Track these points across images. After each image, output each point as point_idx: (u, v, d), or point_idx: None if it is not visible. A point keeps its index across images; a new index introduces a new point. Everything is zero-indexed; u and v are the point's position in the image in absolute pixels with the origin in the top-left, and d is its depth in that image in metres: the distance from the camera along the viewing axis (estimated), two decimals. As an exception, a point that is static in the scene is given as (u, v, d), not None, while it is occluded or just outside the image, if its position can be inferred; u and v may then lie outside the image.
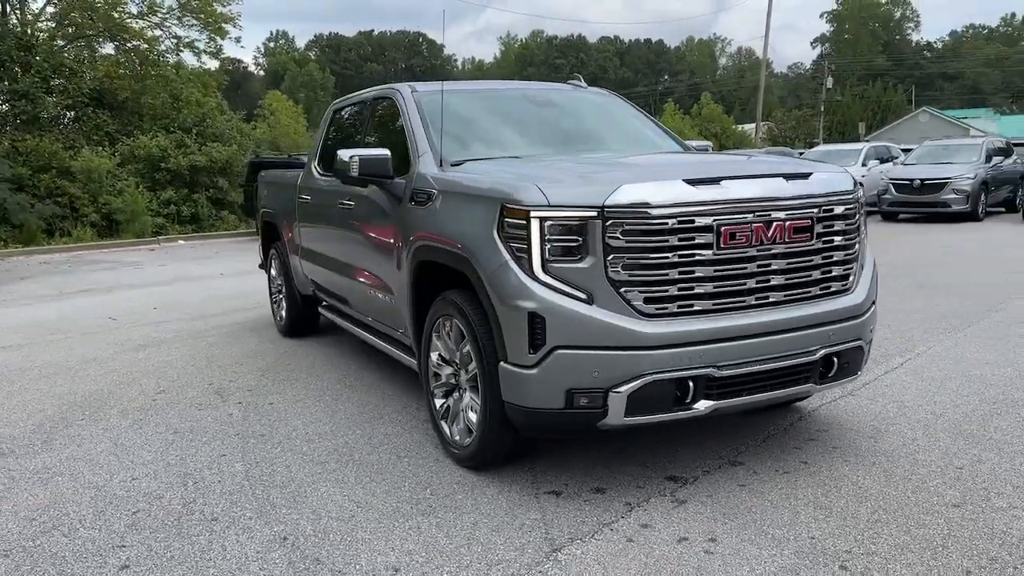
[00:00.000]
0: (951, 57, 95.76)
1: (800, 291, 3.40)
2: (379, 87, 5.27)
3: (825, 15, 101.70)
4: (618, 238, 3.09)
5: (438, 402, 3.95)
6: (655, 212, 3.10)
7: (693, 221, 3.14)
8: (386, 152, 4.24)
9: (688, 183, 3.21)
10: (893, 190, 16.97)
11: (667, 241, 3.12)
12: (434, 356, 3.94)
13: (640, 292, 3.12)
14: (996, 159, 17.66)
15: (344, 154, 4.28)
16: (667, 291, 3.15)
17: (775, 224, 3.28)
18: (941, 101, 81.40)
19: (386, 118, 4.99)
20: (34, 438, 4.37)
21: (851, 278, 3.60)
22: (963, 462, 3.61)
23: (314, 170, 5.85)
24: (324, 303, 6.12)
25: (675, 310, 3.16)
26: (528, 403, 3.21)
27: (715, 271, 3.19)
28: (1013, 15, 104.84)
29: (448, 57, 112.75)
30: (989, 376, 4.93)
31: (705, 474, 3.56)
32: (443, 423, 3.90)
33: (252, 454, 4.00)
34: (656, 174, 3.36)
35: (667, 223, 3.11)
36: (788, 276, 3.35)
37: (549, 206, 3.14)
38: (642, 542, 2.95)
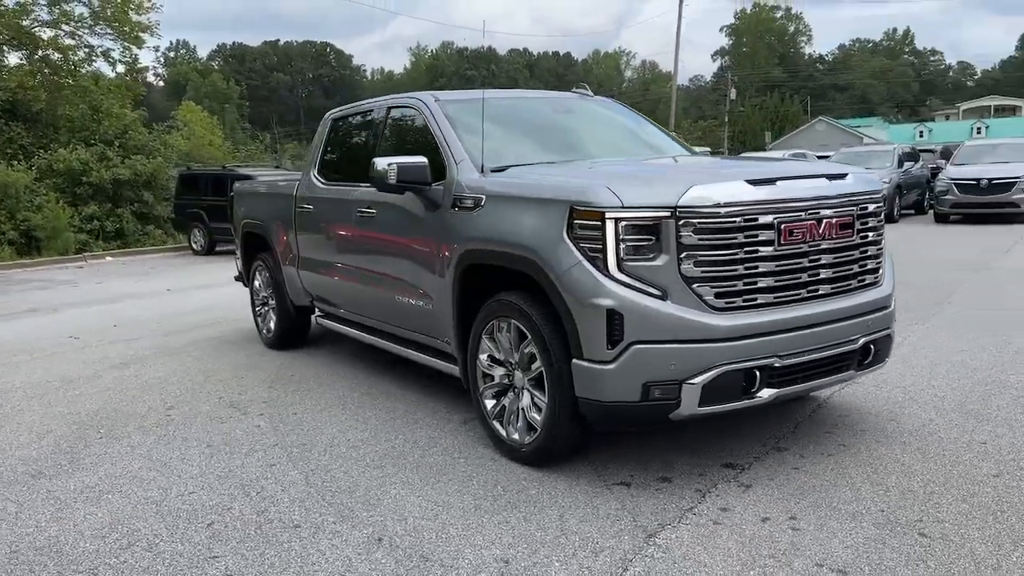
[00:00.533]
0: (841, 69, 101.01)
1: (843, 283, 3.65)
2: (393, 96, 5.31)
3: (724, 29, 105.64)
4: (691, 236, 3.26)
5: (488, 403, 4.03)
6: (723, 211, 3.29)
7: (756, 219, 3.34)
8: (424, 160, 4.30)
9: (750, 183, 3.41)
10: (956, 190, 16.34)
11: (735, 238, 3.31)
12: (483, 358, 4.01)
13: (711, 287, 3.30)
14: (907, 164, 18.83)
15: (380, 162, 4.31)
16: (735, 286, 3.34)
17: (824, 221, 3.52)
18: (833, 111, 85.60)
19: (405, 127, 5.04)
20: (58, 458, 4.21)
21: (880, 271, 3.88)
22: (983, 438, 3.93)
23: (315, 180, 5.82)
24: (321, 313, 6.09)
25: (741, 304, 3.36)
26: (605, 397, 3.34)
27: (776, 266, 3.40)
28: (895, 30, 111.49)
29: (357, 67, 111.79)
30: (970, 361, 5.34)
31: (757, 460, 3.76)
32: (495, 423, 3.98)
33: (303, 463, 3.98)
34: (720, 175, 3.56)
35: (735, 221, 3.30)
36: (834, 270, 3.60)
37: (623, 207, 3.28)
38: (729, 524, 3.12)
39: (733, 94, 64.66)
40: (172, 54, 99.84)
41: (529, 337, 3.65)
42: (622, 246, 3.28)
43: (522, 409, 3.80)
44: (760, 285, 3.39)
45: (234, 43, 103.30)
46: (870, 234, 3.76)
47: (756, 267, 3.37)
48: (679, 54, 43.25)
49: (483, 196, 3.98)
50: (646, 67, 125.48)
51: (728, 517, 3.17)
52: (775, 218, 3.38)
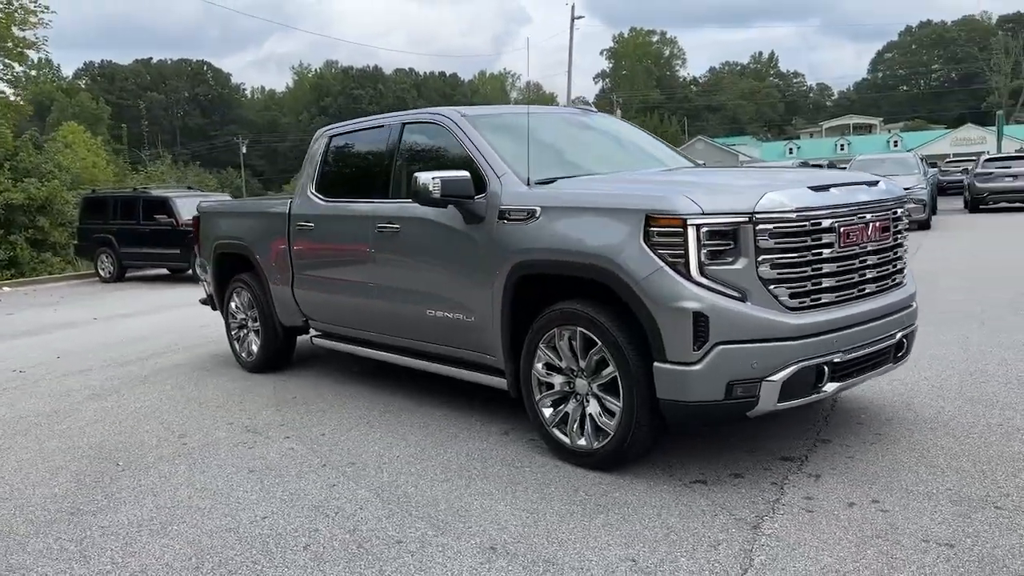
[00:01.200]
0: (714, 91, 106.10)
1: (884, 282, 3.93)
2: (408, 113, 5.30)
3: (604, 52, 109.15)
4: (767, 240, 3.44)
5: (547, 411, 4.08)
6: (795, 215, 3.49)
7: (820, 223, 3.57)
8: (466, 174, 4.32)
9: (811, 189, 3.64)
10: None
11: (804, 241, 3.52)
12: (539, 367, 4.06)
13: (786, 288, 3.49)
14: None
15: (423, 177, 4.30)
16: (805, 286, 3.55)
17: (870, 224, 3.79)
18: (708, 130, 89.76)
19: (427, 142, 5.04)
20: (89, 493, 3.96)
21: (905, 271, 4.20)
22: (997, 421, 4.29)
23: (313, 197, 5.71)
24: (318, 333, 5.96)
25: (809, 303, 3.57)
26: (689, 397, 3.46)
27: (836, 267, 3.64)
28: (761, 53, 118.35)
29: (236, 86, 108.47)
30: (949, 355, 5.78)
31: (811, 452, 3.97)
32: (555, 431, 4.03)
33: (364, 481, 3.90)
34: (785, 183, 3.76)
35: (804, 225, 3.51)
36: (878, 270, 3.87)
37: (703, 213, 3.43)
38: (820, 511, 3.29)
39: (618, 115, 66.86)
40: (35, 73, 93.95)
41: (599, 343, 3.73)
42: (703, 251, 3.42)
43: (590, 415, 3.87)
44: (824, 285, 3.61)
45: (103, 61, 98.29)
46: (900, 236, 4.07)
47: (821, 268, 3.59)
48: (571, 75, 44.30)
49: (537, 208, 4.04)
50: (531, 88, 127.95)
51: (816, 505, 3.35)
52: (834, 222, 3.61)
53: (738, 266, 3.44)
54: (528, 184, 4.23)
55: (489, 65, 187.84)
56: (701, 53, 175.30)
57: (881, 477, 3.61)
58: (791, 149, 70.37)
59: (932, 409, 4.54)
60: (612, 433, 3.76)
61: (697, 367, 3.41)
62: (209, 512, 3.63)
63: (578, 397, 3.95)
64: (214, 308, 7.18)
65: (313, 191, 5.77)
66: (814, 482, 3.59)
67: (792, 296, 3.51)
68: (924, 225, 17.15)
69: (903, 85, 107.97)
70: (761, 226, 3.44)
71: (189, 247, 12.15)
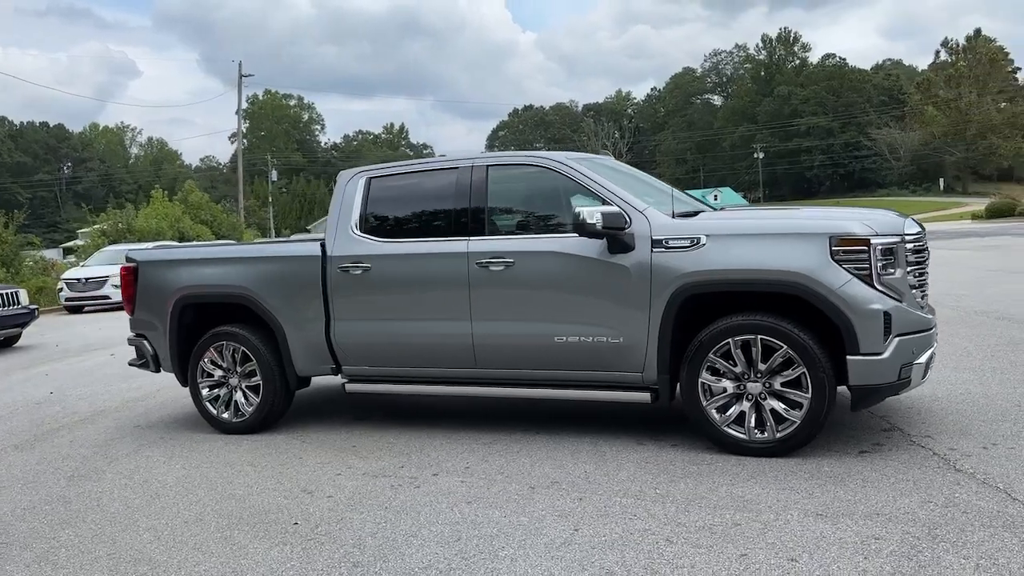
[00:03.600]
0: (355, 156, 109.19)
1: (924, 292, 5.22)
2: (488, 155, 5.52)
3: (241, 112, 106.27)
4: (909, 255, 4.51)
5: (716, 415, 4.64)
6: (911, 239, 4.61)
7: (914, 244, 4.71)
8: (619, 209, 4.78)
9: (910, 221, 4.80)
10: None
11: (920, 256, 4.67)
12: (706, 375, 4.64)
13: (918, 292, 4.58)
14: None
15: (586, 211, 4.66)
16: (922, 291, 4.67)
17: (923, 248, 5.03)
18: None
19: (525, 183, 5.43)
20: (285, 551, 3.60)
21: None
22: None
23: (360, 237, 5.55)
24: (353, 378, 5.72)
25: (923, 304, 4.70)
26: (877, 381, 4.35)
27: (917, 280, 4.79)
28: (392, 124, 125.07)
29: None
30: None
31: (888, 439, 5.07)
32: (728, 429, 4.61)
33: (542, 503, 4.08)
34: (896, 215, 4.84)
35: (916, 245, 4.66)
36: (923, 284, 5.11)
37: (878, 235, 4.40)
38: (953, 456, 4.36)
39: (275, 175, 65.67)
40: None
41: (784, 347, 4.45)
42: (878, 264, 4.38)
43: (771, 410, 4.54)
44: (925, 291, 4.77)
45: None
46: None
47: (923, 278, 4.75)
48: (240, 134, 42.91)
49: (702, 236, 4.65)
50: (153, 144, 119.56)
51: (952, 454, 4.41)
52: (915, 245, 4.77)
53: (897, 275, 4.45)
54: (673, 216, 4.83)
55: (92, 116, 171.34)
56: (332, 119, 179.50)
57: (997, 463, 4.81)
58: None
59: (952, 409, 5.96)
60: (798, 422, 4.47)
61: (883, 356, 4.32)
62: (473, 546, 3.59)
63: (750, 397, 4.60)
64: (156, 370, 6.31)
65: (356, 231, 5.60)
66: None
67: (921, 298, 4.61)
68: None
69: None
70: (908, 244, 4.51)
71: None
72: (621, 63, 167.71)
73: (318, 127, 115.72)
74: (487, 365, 5.30)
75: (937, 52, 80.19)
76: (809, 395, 4.44)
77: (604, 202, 4.94)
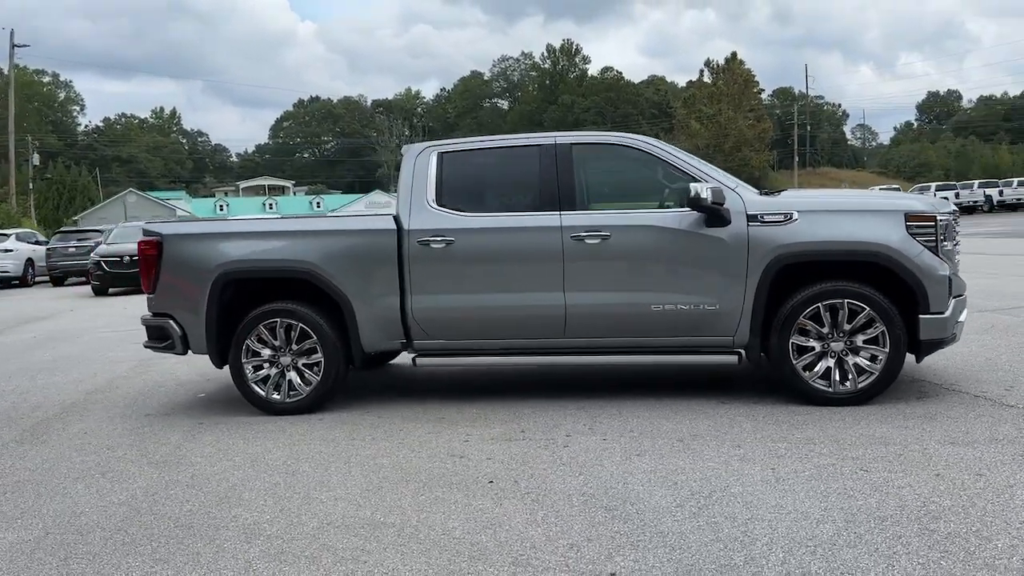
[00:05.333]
0: (123, 141, 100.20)
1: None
2: (570, 134, 5.74)
3: (11, 87, 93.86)
4: (946, 230, 5.37)
5: (804, 372, 5.23)
6: (952, 215, 5.50)
7: (953, 220, 5.62)
8: (720, 185, 5.23)
9: (945, 201, 5.69)
10: None
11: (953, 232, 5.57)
12: (796, 336, 5.22)
13: (956, 261, 5.47)
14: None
15: (697, 187, 5.06)
16: (957, 260, 5.57)
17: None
18: (121, 183, 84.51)
19: (611, 161, 5.73)
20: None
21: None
22: None
23: (440, 211, 5.55)
24: (423, 351, 5.70)
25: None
26: (940, 336, 5.15)
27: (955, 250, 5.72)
28: (163, 109, 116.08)
29: None
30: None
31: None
32: (816, 383, 5.22)
33: (709, 452, 4.52)
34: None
35: (953, 221, 5.55)
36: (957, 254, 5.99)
37: (939, 212, 5.21)
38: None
39: (37, 159, 58.67)
40: None
41: (866, 308, 5.13)
42: (940, 237, 5.19)
43: (854, 365, 5.19)
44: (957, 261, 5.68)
45: None
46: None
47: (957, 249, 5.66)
48: (12, 116, 38.12)
49: (794, 212, 5.22)
50: None
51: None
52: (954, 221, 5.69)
53: (948, 246, 5.29)
54: (760, 194, 5.39)
55: None
56: (101, 100, 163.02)
57: None
58: (221, 206, 71.44)
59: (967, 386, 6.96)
60: (876, 374, 5.17)
61: (946, 314, 5.14)
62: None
63: (833, 355, 5.24)
64: (183, 351, 5.84)
65: (434, 205, 5.58)
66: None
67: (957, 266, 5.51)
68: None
69: (303, 152, 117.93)
70: (952, 220, 5.37)
71: None
72: (405, 61, 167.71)
73: (76, 107, 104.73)
74: (577, 334, 5.52)
75: (701, 71, 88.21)
76: (887, 350, 5.15)
77: (694, 180, 5.36)
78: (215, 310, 5.69)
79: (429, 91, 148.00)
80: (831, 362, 5.25)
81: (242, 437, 5.20)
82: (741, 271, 5.24)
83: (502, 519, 3.61)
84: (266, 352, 5.71)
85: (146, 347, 6.04)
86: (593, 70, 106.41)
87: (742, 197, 5.32)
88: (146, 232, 5.87)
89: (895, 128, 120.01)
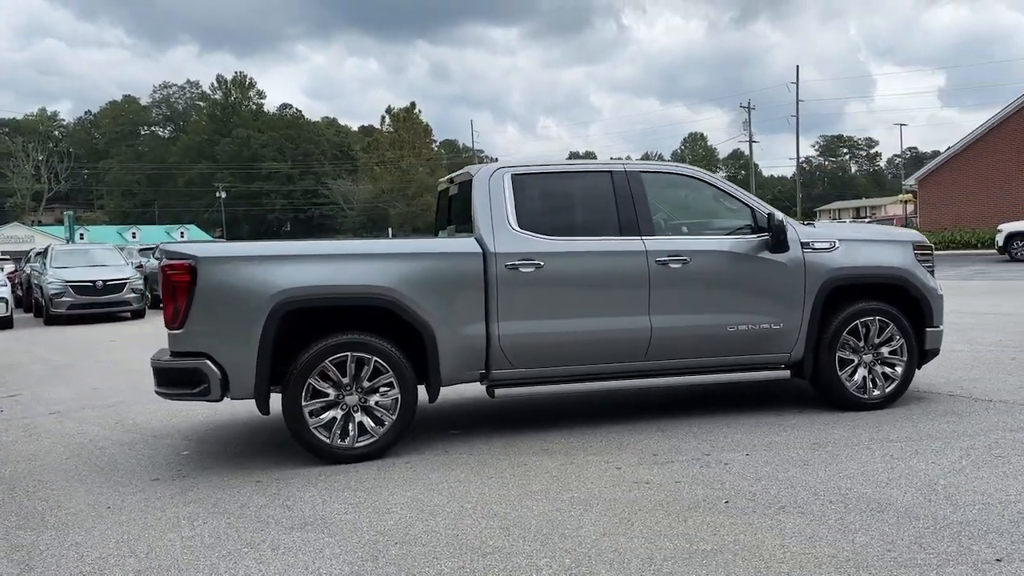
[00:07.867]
0: None
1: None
2: (634, 163, 5.83)
3: None
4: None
5: (847, 381, 5.86)
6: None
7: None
8: (782, 216, 5.71)
9: (904, 235, 6.79)
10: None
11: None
12: (840, 350, 5.86)
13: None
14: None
15: (780, 215, 5.49)
16: (920, 285, 6.67)
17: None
18: None
19: (674, 190, 6.02)
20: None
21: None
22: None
23: (524, 234, 5.30)
24: (503, 382, 5.35)
25: (916, 294, 6.70)
26: (937, 346, 6.13)
27: (906, 276, 6.83)
28: None
29: None
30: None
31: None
32: (856, 394, 5.86)
33: (843, 456, 5.00)
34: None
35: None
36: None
37: (929, 243, 6.25)
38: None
39: None
40: None
41: (891, 324, 5.94)
42: (933, 262, 6.22)
43: (883, 374, 5.94)
44: (910, 285, 6.80)
45: None
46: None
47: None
48: None
49: (836, 240, 5.87)
50: None
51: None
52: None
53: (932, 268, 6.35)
54: (804, 224, 5.98)
55: None
56: None
57: None
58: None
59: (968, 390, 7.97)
60: (898, 380, 5.98)
61: (941, 328, 6.14)
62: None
63: (865, 366, 5.95)
64: (219, 398, 4.80)
65: (517, 228, 5.31)
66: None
67: (929, 287, 6.60)
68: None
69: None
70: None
71: None
72: (29, 77, 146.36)
73: None
74: (657, 357, 5.59)
75: (383, 117, 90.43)
76: (905, 359, 5.98)
77: (749, 208, 5.80)
78: (270, 346, 4.78)
79: (66, 113, 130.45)
80: (865, 372, 5.95)
81: (376, 487, 4.42)
82: (800, 293, 5.75)
83: (804, 530, 3.62)
84: (331, 392, 4.93)
85: (162, 395, 4.84)
86: (269, 106, 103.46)
87: (794, 227, 5.85)
88: (171, 255, 4.75)
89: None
